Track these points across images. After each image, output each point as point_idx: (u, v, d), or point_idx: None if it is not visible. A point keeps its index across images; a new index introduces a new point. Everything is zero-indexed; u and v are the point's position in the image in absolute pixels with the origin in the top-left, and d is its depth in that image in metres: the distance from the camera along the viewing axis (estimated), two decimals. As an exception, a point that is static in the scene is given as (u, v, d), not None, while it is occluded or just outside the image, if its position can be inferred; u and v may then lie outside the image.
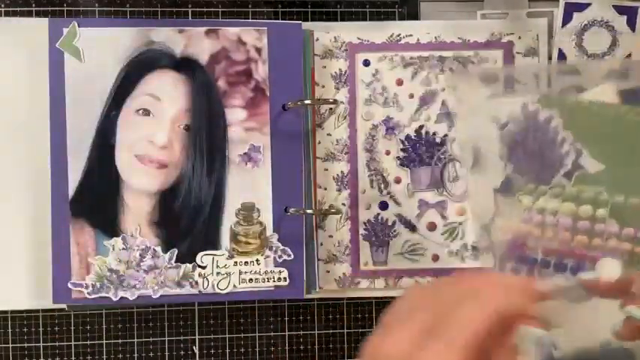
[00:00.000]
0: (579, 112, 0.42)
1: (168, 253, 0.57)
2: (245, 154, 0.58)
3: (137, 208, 0.57)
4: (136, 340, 0.61)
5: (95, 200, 0.57)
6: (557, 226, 0.41)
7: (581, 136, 0.41)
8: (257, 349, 0.62)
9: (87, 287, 0.56)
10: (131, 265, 0.57)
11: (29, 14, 0.60)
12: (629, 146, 0.41)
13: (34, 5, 0.60)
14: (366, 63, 0.60)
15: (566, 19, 0.61)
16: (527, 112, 0.44)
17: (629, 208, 0.40)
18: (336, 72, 0.60)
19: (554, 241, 0.41)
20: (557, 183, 0.42)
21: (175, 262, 0.57)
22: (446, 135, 0.61)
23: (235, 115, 0.58)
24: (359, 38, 0.61)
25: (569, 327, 0.39)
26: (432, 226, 0.60)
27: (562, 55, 0.62)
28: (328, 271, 0.60)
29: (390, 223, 0.60)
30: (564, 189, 0.41)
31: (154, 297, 0.57)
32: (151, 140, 0.57)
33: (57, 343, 0.60)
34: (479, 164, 0.44)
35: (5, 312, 0.59)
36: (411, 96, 0.61)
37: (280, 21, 0.61)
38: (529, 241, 0.42)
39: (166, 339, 0.61)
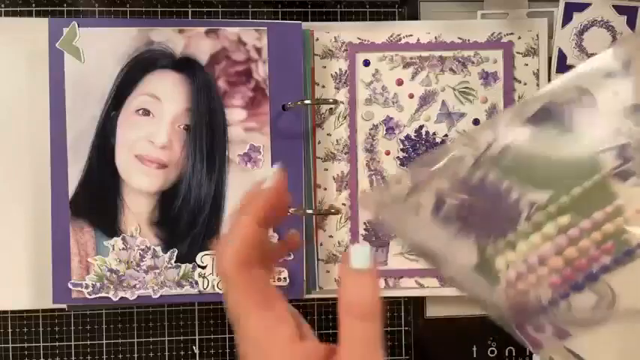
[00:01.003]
0: (506, 159, 0.41)
1: (168, 253, 0.57)
2: (245, 154, 0.58)
3: (137, 208, 0.57)
4: (136, 340, 0.61)
5: (95, 200, 0.57)
6: (545, 260, 0.40)
7: (522, 176, 0.40)
8: (257, 349, 0.62)
9: (87, 287, 0.56)
10: (131, 265, 0.57)
11: (29, 14, 0.60)
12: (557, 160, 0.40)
13: (34, 5, 0.60)
14: (366, 63, 0.60)
15: (566, 19, 0.61)
16: (457, 182, 0.42)
17: (578, 200, 0.40)
18: (336, 72, 0.60)
19: (552, 274, 0.40)
20: (522, 229, 0.40)
21: (175, 262, 0.57)
22: (446, 135, 0.61)
23: (235, 115, 0.58)
24: (359, 38, 0.61)
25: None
26: (432, 226, 0.60)
27: (562, 55, 0.62)
28: (328, 271, 0.60)
29: (390, 223, 0.60)
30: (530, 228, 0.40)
31: (154, 297, 0.57)
32: (151, 140, 0.57)
33: (57, 343, 0.60)
34: (444, 261, 0.42)
35: (5, 312, 0.60)
36: (411, 96, 0.61)
37: (280, 21, 0.61)
38: (530, 297, 0.41)
39: (166, 339, 0.61)
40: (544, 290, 0.40)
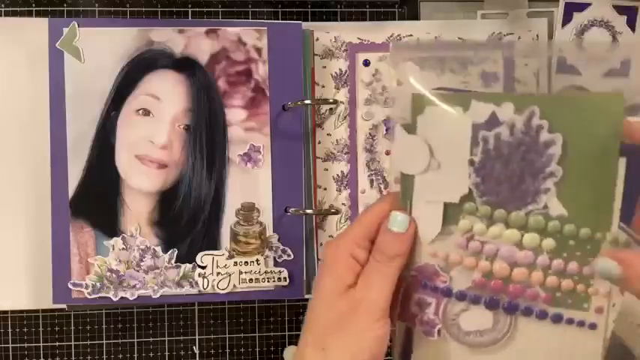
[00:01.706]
0: (582, 140, 0.36)
1: (168, 253, 0.57)
2: (245, 154, 0.58)
3: (137, 208, 0.57)
4: (135, 340, 0.61)
5: (95, 200, 0.57)
6: (496, 256, 0.37)
7: (569, 174, 0.36)
8: (257, 349, 0.62)
9: (87, 287, 0.56)
10: (131, 265, 0.57)
11: (29, 14, 0.60)
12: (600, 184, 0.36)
13: (34, 5, 0.60)
14: (366, 63, 0.60)
15: (566, 19, 0.61)
16: (529, 123, 0.37)
17: (578, 240, 0.36)
18: (336, 72, 0.60)
19: (488, 275, 0.37)
20: (515, 217, 0.37)
21: (175, 262, 0.57)
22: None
23: (235, 115, 0.58)
24: (359, 38, 0.61)
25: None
26: (432, 226, 0.60)
27: (562, 55, 0.61)
28: (328, 271, 0.60)
29: (390, 223, 0.60)
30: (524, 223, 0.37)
31: (154, 297, 0.57)
32: (151, 140, 0.57)
33: (57, 343, 0.60)
34: (431, 169, 0.38)
35: (5, 312, 0.60)
36: (411, 96, 0.60)
37: (280, 21, 0.61)
38: (450, 272, 0.38)
39: (166, 339, 0.61)
40: (467, 279, 0.38)
